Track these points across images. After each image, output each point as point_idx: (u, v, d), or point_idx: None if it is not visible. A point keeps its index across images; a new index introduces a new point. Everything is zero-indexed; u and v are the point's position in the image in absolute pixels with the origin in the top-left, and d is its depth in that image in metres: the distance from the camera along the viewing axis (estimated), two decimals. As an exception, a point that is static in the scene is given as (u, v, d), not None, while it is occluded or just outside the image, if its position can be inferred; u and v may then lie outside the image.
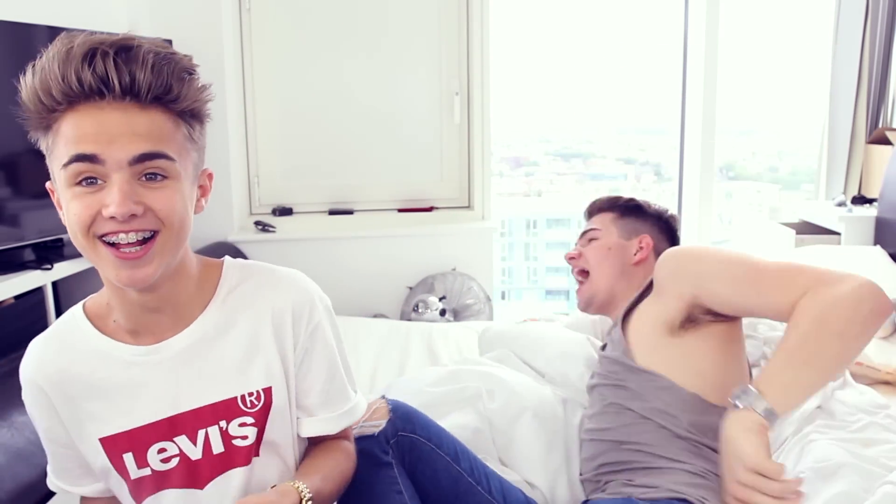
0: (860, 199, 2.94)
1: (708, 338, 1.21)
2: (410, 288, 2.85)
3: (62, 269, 1.92)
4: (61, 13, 2.07)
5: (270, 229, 2.77)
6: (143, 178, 0.80)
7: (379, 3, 2.85)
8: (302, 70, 2.85)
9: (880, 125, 3.10)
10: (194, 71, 0.83)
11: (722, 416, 1.06)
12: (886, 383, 1.78)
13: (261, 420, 0.93)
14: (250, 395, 0.92)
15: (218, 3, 2.60)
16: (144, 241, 0.81)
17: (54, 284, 1.95)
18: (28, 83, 0.79)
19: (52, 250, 1.94)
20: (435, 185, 3.00)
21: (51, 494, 1.26)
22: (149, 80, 0.78)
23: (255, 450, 0.94)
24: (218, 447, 0.92)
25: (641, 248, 1.48)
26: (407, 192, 2.99)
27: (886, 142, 2.94)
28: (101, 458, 0.93)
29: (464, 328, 2.27)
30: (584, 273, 1.51)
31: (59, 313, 1.35)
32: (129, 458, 0.92)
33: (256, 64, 2.82)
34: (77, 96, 0.77)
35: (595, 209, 1.58)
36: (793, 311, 1.06)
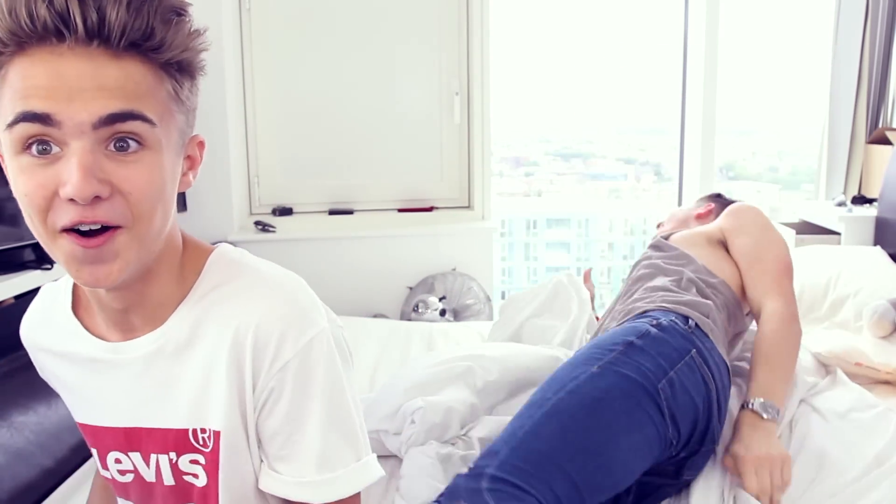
0: (860, 199, 2.94)
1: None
2: (410, 288, 2.85)
3: (62, 269, 1.91)
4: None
5: (270, 229, 2.77)
6: (112, 147, 0.62)
7: (379, 3, 2.85)
8: (302, 70, 2.85)
9: (880, 125, 3.10)
10: (185, 11, 0.66)
11: (740, 304, 1.57)
12: (886, 383, 1.79)
13: (213, 464, 0.75)
14: (202, 431, 0.74)
15: (218, 3, 2.60)
16: (107, 228, 0.64)
17: (54, 284, 1.95)
18: None
19: (52, 250, 1.93)
20: (435, 185, 3.00)
21: (49, 493, 1.26)
22: (123, 19, 0.60)
23: (213, 498, 0.76)
24: (168, 479, 0.78)
25: (706, 209, 1.92)
26: (407, 192, 2.99)
27: (886, 142, 2.94)
28: None
29: (464, 328, 2.27)
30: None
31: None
32: (95, 454, 0.83)
33: (256, 64, 2.82)
34: (28, 36, 0.60)
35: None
36: (760, 309, 1.53)
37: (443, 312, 2.71)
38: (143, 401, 0.76)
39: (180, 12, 0.65)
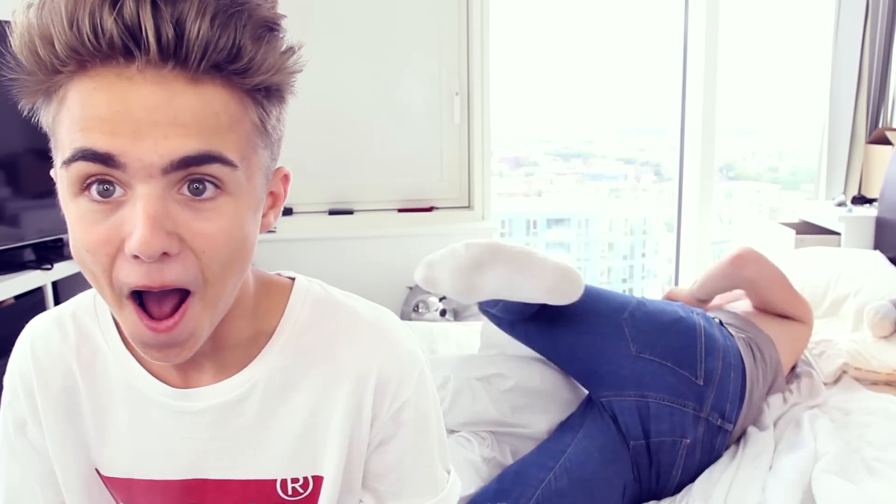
0: (860, 199, 2.94)
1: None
2: (410, 288, 2.84)
3: (62, 269, 1.91)
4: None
5: (271, 229, 2.76)
6: (186, 191, 0.52)
7: (379, 3, 2.85)
8: (301, 70, 2.85)
9: (880, 125, 3.10)
10: (279, 25, 0.57)
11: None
12: (888, 384, 1.79)
13: None
14: (294, 481, 0.67)
15: (218, 3, 2.60)
16: (179, 298, 0.55)
17: (54, 284, 1.95)
18: (21, 25, 0.50)
19: (52, 250, 1.93)
20: (435, 185, 3.00)
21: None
22: (205, 36, 0.49)
23: None
24: None
25: None
26: (407, 192, 2.99)
27: (886, 142, 2.94)
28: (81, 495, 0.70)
29: (464, 328, 2.27)
30: None
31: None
32: None
33: (256, 64, 2.82)
34: (90, 54, 0.49)
35: None
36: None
37: (443, 312, 2.71)
38: (214, 451, 0.66)
39: (273, 26, 0.55)
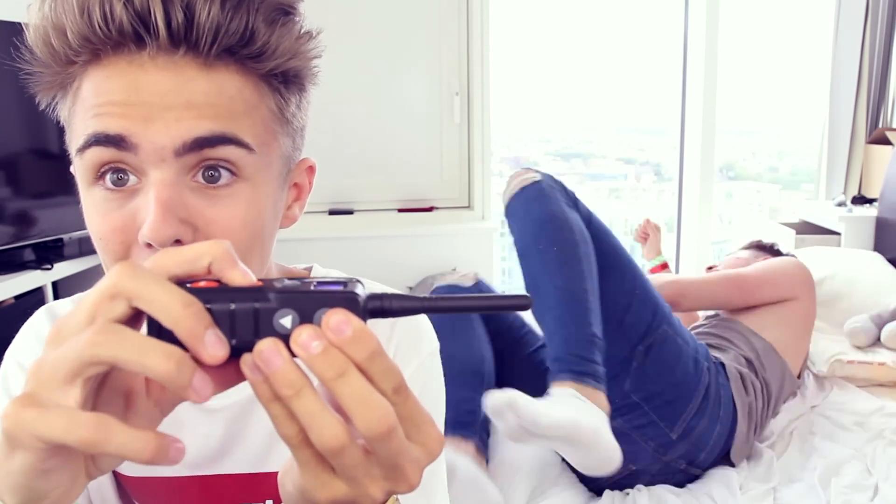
0: (860, 199, 2.94)
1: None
2: (410, 288, 2.85)
3: (62, 269, 1.91)
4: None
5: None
6: (200, 178, 0.51)
7: (379, 3, 2.85)
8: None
9: (880, 125, 3.10)
10: (294, 9, 0.54)
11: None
12: (881, 385, 1.80)
13: None
14: None
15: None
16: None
17: (54, 284, 1.95)
18: (35, 19, 0.51)
19: (52, 250, 1.93)
20: (435, 185, 3.00)
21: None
22: (216, 20, 0.48)
23: None
24: None
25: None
26: (407, 192, 2.99)
27: (886, 142, 2.94)
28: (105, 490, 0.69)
29: (464, 328, 2.27)
30: None
31: (58, 313, 1.33)
32: None
33: (256, 64, 2.82)
34: (102, 42, 0.49)
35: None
36: None
37: (443, 312, 2.71)
38: (233, 446, 0.65)
39: (288, 10, 0.53)
